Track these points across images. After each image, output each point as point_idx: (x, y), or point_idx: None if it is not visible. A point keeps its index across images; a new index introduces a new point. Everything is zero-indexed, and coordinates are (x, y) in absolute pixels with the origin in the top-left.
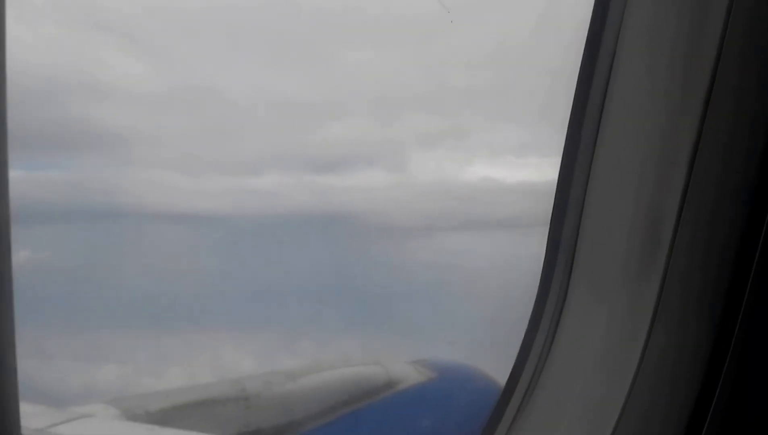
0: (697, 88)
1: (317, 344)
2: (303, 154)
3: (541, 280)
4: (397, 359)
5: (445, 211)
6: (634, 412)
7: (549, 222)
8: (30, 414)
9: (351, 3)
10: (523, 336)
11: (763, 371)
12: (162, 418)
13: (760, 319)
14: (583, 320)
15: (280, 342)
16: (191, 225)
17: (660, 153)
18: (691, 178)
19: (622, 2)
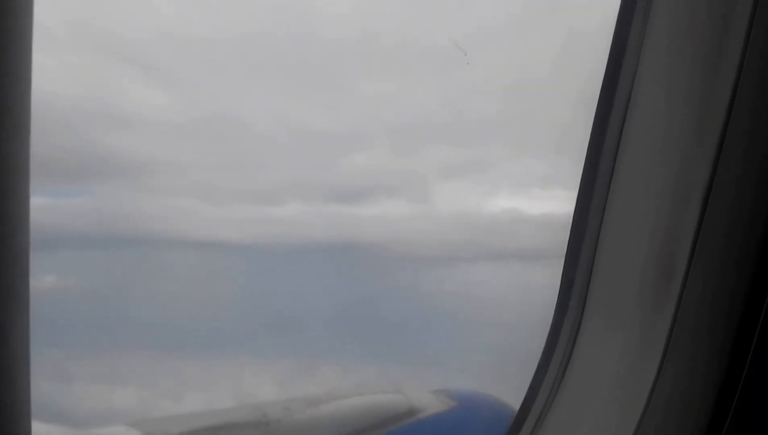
0: (711, 127)
1: (337, 372)
2: (324, 184)
3: (556, 309)
4: (418, 388)
5: (468, 241)
6: None
7: (565, 252)
8: None
9: (369, 33)
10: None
11: None
12: None
13: None
14: (597, 350)
15: (300, 369)
16: (214, 252)
17: (674, 189)
18: (705, 214)
19: (640, 39)
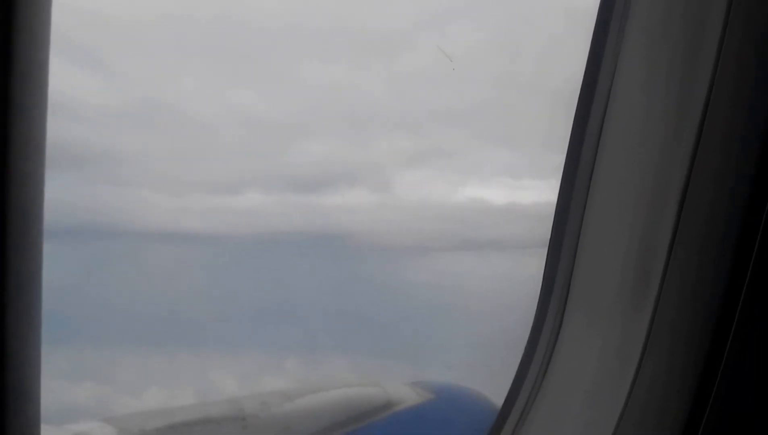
0: (688, 124)
1: (307, 366)
2: (281, 174)
3: (537, 306)
4: (395, 381)
5: (439, 231)
6: None
7: (546, 247)
8: None
9: (309, 17)
10: (519, 360)
11: (749, 401)
12: None
13: (747, 351)
14: (578, 347)
15: (268, 363)
16: (176, 244)
17: (652, 189)
18: (682, 214)
19: (620, 33)
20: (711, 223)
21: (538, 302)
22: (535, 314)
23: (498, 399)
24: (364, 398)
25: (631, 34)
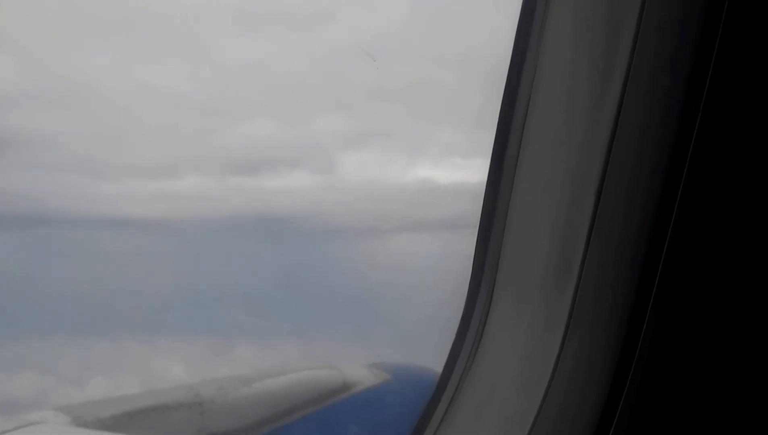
0: (604, 119)
1: (259, 351)
2: (218, 156)
3: (469, 288)
4: (352, 363)
5: (387, 212)
6: (547, 415)
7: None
8: None
9: None
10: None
11: (666, 377)
12: (114, 424)
13: (663, 330)
14: (505, 329)
15: (217, 349)
16: (116, 229)
17: (573, 175)
18: (600, 200)
19: (544, 16)
20: (626, 212)
21: (470, 283)
22: (467, 296)
23: None
24: (321, 381)
25: (554, 19)
